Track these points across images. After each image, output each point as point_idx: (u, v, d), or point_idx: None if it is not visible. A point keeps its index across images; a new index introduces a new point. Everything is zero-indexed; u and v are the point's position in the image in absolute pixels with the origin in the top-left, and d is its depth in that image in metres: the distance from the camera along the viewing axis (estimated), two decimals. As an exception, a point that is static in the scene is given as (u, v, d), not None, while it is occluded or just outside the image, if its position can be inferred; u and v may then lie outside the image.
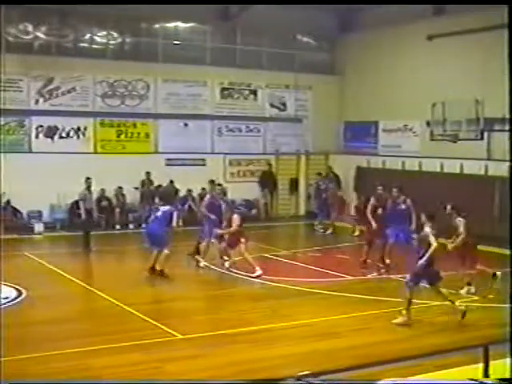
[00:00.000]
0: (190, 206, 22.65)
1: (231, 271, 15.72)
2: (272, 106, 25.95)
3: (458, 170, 21.45)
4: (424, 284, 11.89)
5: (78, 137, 22.77)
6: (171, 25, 24.60)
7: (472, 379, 7.06)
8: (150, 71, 23.71)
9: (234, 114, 25.22)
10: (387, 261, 15.92)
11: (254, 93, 25.61)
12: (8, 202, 21.27)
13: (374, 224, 16.24)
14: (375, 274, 15.72)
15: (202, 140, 24.70)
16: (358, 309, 12.61)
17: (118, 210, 22.62)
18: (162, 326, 11.36)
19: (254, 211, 24.88)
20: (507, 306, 10.79)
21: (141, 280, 14.89)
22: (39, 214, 21.98)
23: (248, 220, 21.70)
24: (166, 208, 15.64)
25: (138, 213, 22.64)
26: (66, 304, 13.32)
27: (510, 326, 8.69)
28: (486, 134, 20.72)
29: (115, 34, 23.68)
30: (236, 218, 15.67)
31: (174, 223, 15.58)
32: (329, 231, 22.38)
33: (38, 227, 21.43)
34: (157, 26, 24.24)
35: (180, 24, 24.71)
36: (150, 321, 11.72)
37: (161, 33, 24.26)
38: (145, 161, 23.16)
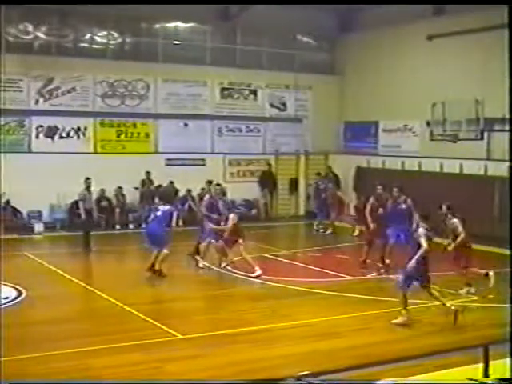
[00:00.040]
0: (189, 206, 22.64)
1: (230, 271, 15.72)
2: (272, 105, 25.96)
3: (457, 170, 21.46)
4: (416, 284, 11.85)
5: (78, 137, 22.78)
6: (171, 25, 24.61)
7: (472, 379, 7.06)
8: (150, 71, 23.72)
9: (233, 114, 25.22)
10: (387, 261, 15.91)
11: (254, 93, 25.61)
12: (8, 201, 21.28)
13: (371, 224, 16.26)
14: (375, 273, 15.72)
15: (202, 140, 24.70)
16: (358, 309, 12.61)
17: (117, 210, 22.63)
18: (162, 326, 11.36)
19: (253, 211, 24.90)
20: (507, 305, 10.80)
21: (141, 280, 14.88)
22: (39, 214, 21.99)
23: (248, 220, 21.82)
24: (166, 208, 15.64)
25: (138, 213, 22.63)
26: (65, 304, 13.32)
27: (510, 325, 8.72)
28: (485, 134, 20.72)
29: (115, 34, 23.68)
30: (232, 216, 15.69)
31: (174, 223, 15.60)
32: (328, 231, 22.37)
33: (38, 227, 21.43)
34: (157, 25, 24.25)
35: (180, 24, 24.72)
36: (150, 321, 11.72)
37: (161, 33, 24.26)
38: (145, 161, 23.17)
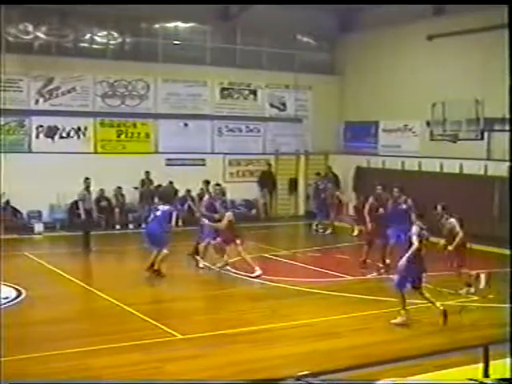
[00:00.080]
0: (189, 206, 22.64)
1: (229, 271, 15.72)
2: (272, 106, 25.95)
3: (457, 170, 21.46)
4: (408, 286, 11.82)
5: (78, 137, 22.78)
6: (171, 25, 24.61)
7: (472, 379, 7.06)
8: (150, 71, 23.72)
9: (233, 114, 25.22)
10: (387, 261, 15.91)
11: (254, 93, 25.61)
12: (8, 201, 21.27)
13: (369, 224, 16.28)
14: (375, 273, 15.71)
15: (202, 140, 24.70)
16: (357, 309, 12.61)
17: (117, 210, 22.62)
18: (162, 326, 11.36)
19: (253, 211, 24.90)
20: (507, 305, 10.79)
21: (141, 280, 14.88)
22: (39, 214, 21.99)
23: (247, 220, 21.83)
24: (166, 208, 15.63)
25: (138, 213, 22.63)
26: (65, 304, 13.32)
27: (510, 325, 8.70)
28: (485, 134, 20.73)
29: (115, 34, 23.68)
30: (228, 214, 15.69)
31: (173, 223, 15.59)
32: (328, 231, 22.37)
33: (38, 227, 21.43)
34: (157, 25, 24.24)
35: (180, 24, 24.71)
36: (150, 321, 11.72)
37: (161, 33, 24.26)
38: (145, 161, 23.16)
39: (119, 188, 22.64)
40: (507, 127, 18.01)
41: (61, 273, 15.62)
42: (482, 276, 13.68)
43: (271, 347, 10.50)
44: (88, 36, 23.34)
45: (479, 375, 7.07)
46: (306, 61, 26.36)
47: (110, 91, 23.24)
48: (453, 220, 13.62)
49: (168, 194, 20.83)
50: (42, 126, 22.27)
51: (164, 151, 23.96)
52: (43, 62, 22.12)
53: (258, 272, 15.22)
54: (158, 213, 15.44)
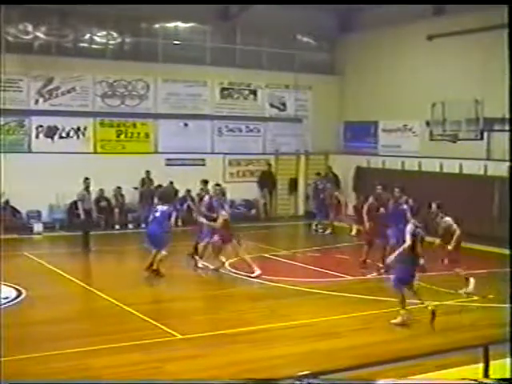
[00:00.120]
0: (188, 206, 22.60)
1: (230, 271, 15.72)
2: (272, 106, 25.95)
3: (457, 170, 21.47)
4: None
5: (78, 137, 22.77)
6: (171, 25, 24.60)
7: (472, 379, 7.06)
8: (150, 71, 23.71)
9: (233, 114, 25.22)
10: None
11: (254, 93, 25.61)
12: (7, 201, 21.26)
13: (367, 224, 16.27)
14: (375, 273, 15.70)
15: (202, 140, 24.70)
16: (357, 309, 12.61)
17: (117, 210, 22.61)
18: (162, 326, 11.36)
19: (253, 211, 24.89)
20: (507, 305, 10.79)
21: (140, 280, 14.88)
22: (38, 214, 21.97)
23: (247, 220, 21.83)
24: (165, 208, 15.64)
25: (137, 213, 22.63)
26: (65, 304, 13.32)
27: (510, 325, 8.70)
28: (485, 134, 20.72)
29: (115, 34, 23.68)
30: (223, 213, 15.69)
31: (172, 222, 15.58)
32: (328, 231, 22.37)
33: (38, 227, 21.42)
34: (157, 25, 24.24)
35: (180, 24, 24.71)
36: (150, 321, 11.72)
37: (161, 33, 24.25)
38: (145, 161, 23.16)
39: (119, 188, 22.63)
40: (507, 127, 18.02)
41: (61, 273, 15.62)
42: (471, 280, 13.61)
43: (271, 347, 10.50)
44: (88, 36, 23.33)
45: (479, 375, 7.06)
46: (305, 61, 26.36)
47: (109, 91, 23.23)
48: (448, 219, 13.59)
49: (168, 194, 20.82)
50: (41, 126, 22.27)
51: (164, 151, 23.95)
52: (43, 62, 22.11)
53: (258, 272, 15.22)
54: (157, 214, 15.44)
